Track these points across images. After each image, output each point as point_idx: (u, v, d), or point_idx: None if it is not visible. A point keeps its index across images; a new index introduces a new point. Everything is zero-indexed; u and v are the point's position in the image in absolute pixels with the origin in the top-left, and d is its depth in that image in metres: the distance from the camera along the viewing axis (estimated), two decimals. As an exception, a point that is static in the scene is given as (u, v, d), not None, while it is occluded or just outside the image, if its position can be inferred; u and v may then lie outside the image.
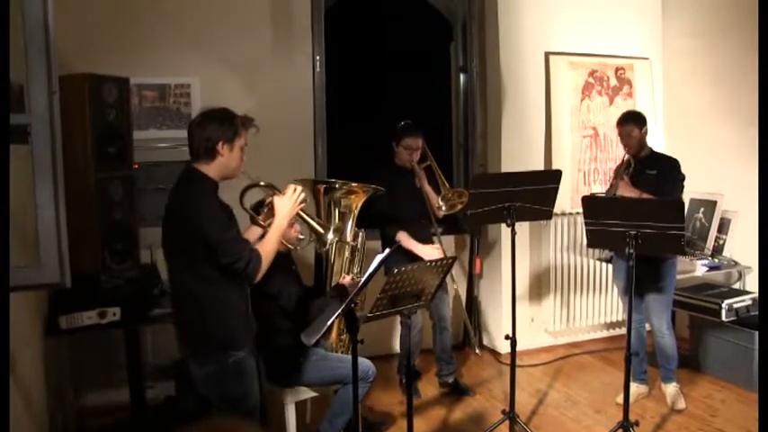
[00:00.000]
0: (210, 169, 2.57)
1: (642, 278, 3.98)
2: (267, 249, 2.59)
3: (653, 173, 3.88)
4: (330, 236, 2.82)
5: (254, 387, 2.67)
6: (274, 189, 2.75)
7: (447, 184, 4.18)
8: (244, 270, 2.50)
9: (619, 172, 3.97)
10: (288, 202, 2.68)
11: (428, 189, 4.16)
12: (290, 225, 3.31)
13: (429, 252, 3.98)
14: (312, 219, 2.86)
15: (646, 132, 3.96)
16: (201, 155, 2.57)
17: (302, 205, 2.73)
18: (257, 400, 2.70)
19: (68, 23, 3.36)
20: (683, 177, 3.89)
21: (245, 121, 2.65)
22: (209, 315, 2.56)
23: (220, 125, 2.55)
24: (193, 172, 2.59)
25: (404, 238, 4.01)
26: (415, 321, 4.16)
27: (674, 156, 3.99)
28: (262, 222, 2.81)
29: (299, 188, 2.71)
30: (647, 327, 4.14)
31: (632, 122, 3.93)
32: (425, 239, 4.17)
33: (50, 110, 1.60)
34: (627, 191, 3.81)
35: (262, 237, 2.74)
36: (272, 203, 2.73)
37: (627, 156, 3.95)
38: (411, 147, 4.07)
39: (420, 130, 4.14)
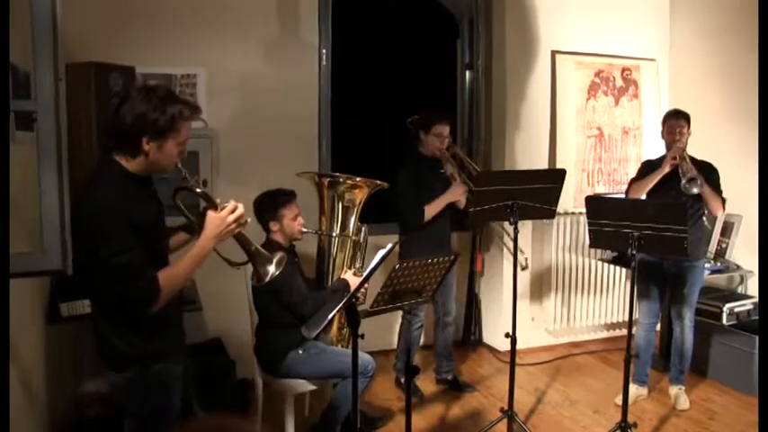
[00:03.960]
0: (131, 165, 2.09)
1: (670, 280, 4.02)
2: (174, 277, 2.11)
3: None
4: (271, 268, 2.28)
5: (176, 399, 2.28)
6: (211, 201, 2.22)
7: (477, 168, 4.19)
8: (134, 303, 2.07)
9: (688, 162, 3.86)
10: (219, 224, 2.17)
11: (457, 175, 4.10)
12: (294, 218, 3.31)
13: (454, 191, 3.99)
14: (252, 245, 2.30)
15: (690, 134, 3.99)
16: (121, 146, 2.07)
17: (239, 229, 2.22)
18: (178, 413, 2.28)
19: (75, 12, 3.36)
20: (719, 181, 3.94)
21: (188, 111, 2.10)
22: (126, 324, 2.14)
23: (151, 112, 2.02)
24: (108, 166, 2.09)
25: (430, 207, 3.98)
26: (419, 315, 4.17)
27: None
28: (195, 228, 2.31)
29: (240, 208, 2.22)
30: (658, 327, 4.19)
31: (683, 119, 3.98)
32: (446, 230, 4.19)
33: (56, 97, 1.60)
34: (696, 171, 3.78)
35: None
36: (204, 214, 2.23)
37: (680, 147, 3.90)
38: (442, 134, 4.02)
39: (447, 117, 4.12)
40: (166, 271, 2.12)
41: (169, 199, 2.30)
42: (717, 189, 3.89)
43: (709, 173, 3.89)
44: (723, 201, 3.90)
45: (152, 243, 2.14)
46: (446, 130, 4.05)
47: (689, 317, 4.05)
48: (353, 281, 3.24)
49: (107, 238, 2.00)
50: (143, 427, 2.23)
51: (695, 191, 3.73)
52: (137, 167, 2.10)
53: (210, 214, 2.19)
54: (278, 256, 2.33)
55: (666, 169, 3.89)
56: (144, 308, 2.07)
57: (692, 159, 3.95)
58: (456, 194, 4.01)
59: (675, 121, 3.98)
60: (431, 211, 3.97)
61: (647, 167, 4.09)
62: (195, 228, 2.31)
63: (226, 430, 1.07)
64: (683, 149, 3.90)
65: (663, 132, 4.06)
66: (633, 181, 4.13)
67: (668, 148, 3.98)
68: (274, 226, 3.29)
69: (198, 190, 2.26)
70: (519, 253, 4.56)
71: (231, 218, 2.19)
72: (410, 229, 4.02)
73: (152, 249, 2.14)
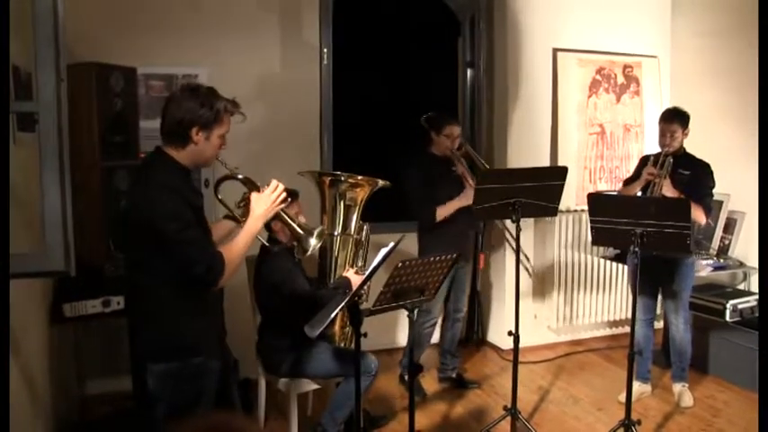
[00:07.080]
0: (181, 156, 2.27)
1: (661, 276, 3.99)
2: (234, 253, 2.29)
3: (687, 173, 3.86)
4: (313, 241, 2.51)
5: (210, 394, 2.36)
6: (253, 184, 2.45)
7: (487, 166, 4.23)
8: (203, 276, 2.21)
9: (661, 170, 3.85)
10: (265, 201, 2.39)
11: (468, 174, 4.11)
12: (296, 217, 3.31)
13: (467, 195, 3.94)
14: (293, 221, 2.56)
15: (687, 133, 3.93)
16: (172, 138, 2.26)
17: (282, 205, 2.44)
18: (209, 408, 2.35)
19: (77, 12, 3.36)
20: (713, 185, 3.89)
21: (231, 106, 2.31)
22: (168, 316, 2.27)
23: (199, 107, 2.22)
24: (161, 157, 2.29)
25: (442, 209, 3.99)
26: (433, 313, 4.20)
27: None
28: (238, 218, 2.51)
29: (281, 186, 2.42)
30: (659, 324, 4.16)
31: (678, 122, 3.88)
32: (465, 225, 4.14)
33: (58, 98, 1.60)
34: (669, 190, 3.78)
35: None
36: (249, 199, 2.44)
37: (665, 152, 3.87)
38: (452, 135, 4.08)
39: (457, 118, 4.17)
40: (226, 248, 2.31)
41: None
42: (703, 191, 3.82)
43: (699, 173, 3.87)
44: (707, 210, 3.83)
45: (203, 227, 2.33)
46: (457, 130, 4.11)
47: (682, 313, 4.02)
48: (355, 279, 3.24)
49: (175, 215, 2.17)
50: (174, 418, 2.28)
51: None
52: (185, 158, 2.29)
53: (255, 196, 2.40)
54: (319, 228, 2.56)
55: (642, 183, 3.90)
56: (211, 281, 2.23)
57: (688, 156, 3.94)
58: (469, 199, 3.98)
59: (667, 125, 3.90)
60: (442, 212, 3.99)
61: (644, 163, 4.08)
62: (239, 215, 2.51)
63: (227, 428, 1.07)
64: (663, 165, 3.83)
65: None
66: (625, 183, 4.16)
67: (661, 148, 3.94)
68: (276, 225, 3.28)
69: (240, 176, 2.46)
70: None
71: (274, 196, 2.40)
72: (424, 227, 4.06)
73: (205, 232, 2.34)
